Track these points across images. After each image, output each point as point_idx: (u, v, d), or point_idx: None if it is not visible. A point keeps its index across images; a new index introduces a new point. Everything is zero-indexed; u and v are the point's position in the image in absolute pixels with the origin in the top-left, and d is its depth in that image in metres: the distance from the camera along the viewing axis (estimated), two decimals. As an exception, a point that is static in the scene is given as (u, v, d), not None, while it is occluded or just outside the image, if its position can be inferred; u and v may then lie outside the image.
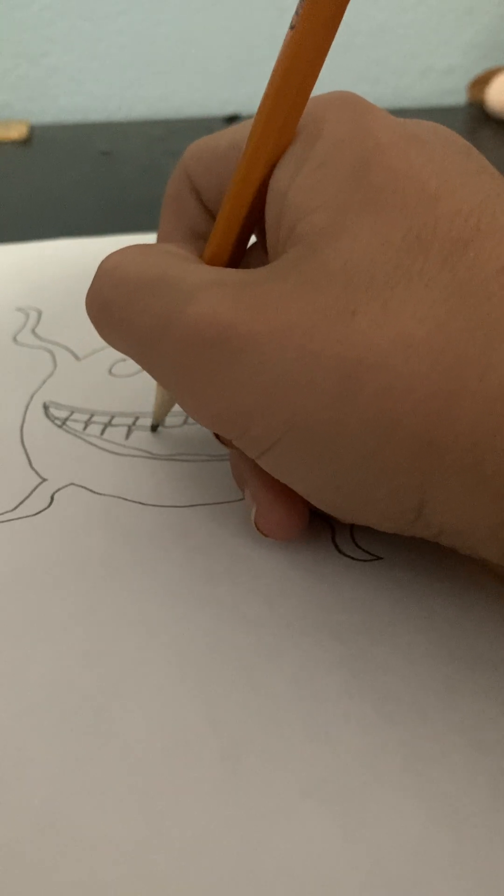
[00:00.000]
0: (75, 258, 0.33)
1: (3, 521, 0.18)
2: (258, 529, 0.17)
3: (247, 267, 0.17)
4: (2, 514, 0.19)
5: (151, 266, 0.15)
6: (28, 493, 0.19)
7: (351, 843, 0.12)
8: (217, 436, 0.17)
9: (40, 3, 0.57)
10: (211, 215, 0.18)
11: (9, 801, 0.12)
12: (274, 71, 0.14)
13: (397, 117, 0.15)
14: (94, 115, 0.61)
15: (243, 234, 0.16)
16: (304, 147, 0.14)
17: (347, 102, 0.15)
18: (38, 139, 0.54)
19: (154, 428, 0.21)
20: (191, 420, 0.22)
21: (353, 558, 0.17)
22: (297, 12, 0.13)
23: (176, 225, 0.19)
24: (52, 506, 0.19)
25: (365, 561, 0.17)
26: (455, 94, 0.66)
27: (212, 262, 0.16)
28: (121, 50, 0.59)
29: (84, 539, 0.18)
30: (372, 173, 0.13)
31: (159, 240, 0.19)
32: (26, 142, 0.54)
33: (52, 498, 0.19)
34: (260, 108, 0.15)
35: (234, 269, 0.14)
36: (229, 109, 0.63)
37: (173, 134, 0.56)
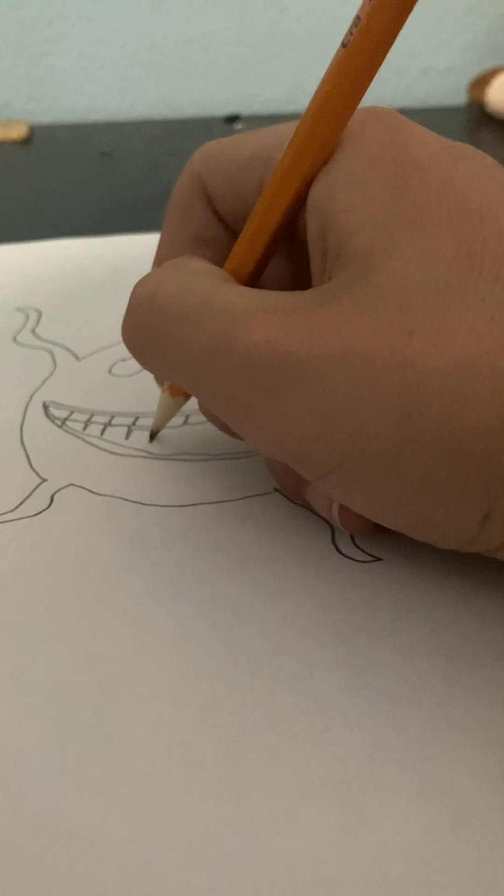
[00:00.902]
0: (75, 258, 0.33)
1: (3, 522, 0.18)
2: (340, 524, 0.17)
3: (271, 279, 0.17)
4: (2, 514, 0.19)
5: (192, 291, 0.15)
6: (28, 494, 0.19)
7: (351, 843, 0.12)
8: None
9: (40, 2, 0.57)
10: (221, 222, 0.18)
11: (9, 801, 0.12)
12: (320, 87, 0.14)
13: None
14: (94, 115, 0.61)
15: (270, 247, 0.16)
16: (342, 163, 0.14)
17: (382, 118, 0.15)
18: (38, 139, 0.54)
19: (153, 436, 0.21)
20: (191, 420, 0.22)
21: (353, 559, 0.17)
22: (350, 31, 0.13)
23: (182, 229, 0.18)
24: (52, 506, 0.19)
25: (365, 562, 0.17)
26: (455, 94, 0.66)
27: (234, 274, 0.16)
28: (121, 50, 0.60)
29: (84, 539, 0.18)
30: (413, 190, 0.13)
31: (163, 243, 0.19)
32: (26, 142, 0.54)
33: (52, 498, 0.19)
34: (301, 122, 0.14)
35: (278, 293, 0.14)
36: (229, 109, 0.63)
37: (173, 134, 0.56)
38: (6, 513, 0.19)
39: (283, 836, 0.12)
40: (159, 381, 0.20)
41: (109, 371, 0.25)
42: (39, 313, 0.28)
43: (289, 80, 0.64)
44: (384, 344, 0.12)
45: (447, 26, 0.63)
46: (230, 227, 0.18)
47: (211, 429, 0.22)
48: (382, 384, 0.12)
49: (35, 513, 0.19)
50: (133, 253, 0.33)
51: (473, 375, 0.12)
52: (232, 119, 0.60)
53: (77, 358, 0.25)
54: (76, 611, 0.16)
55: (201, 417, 0.22)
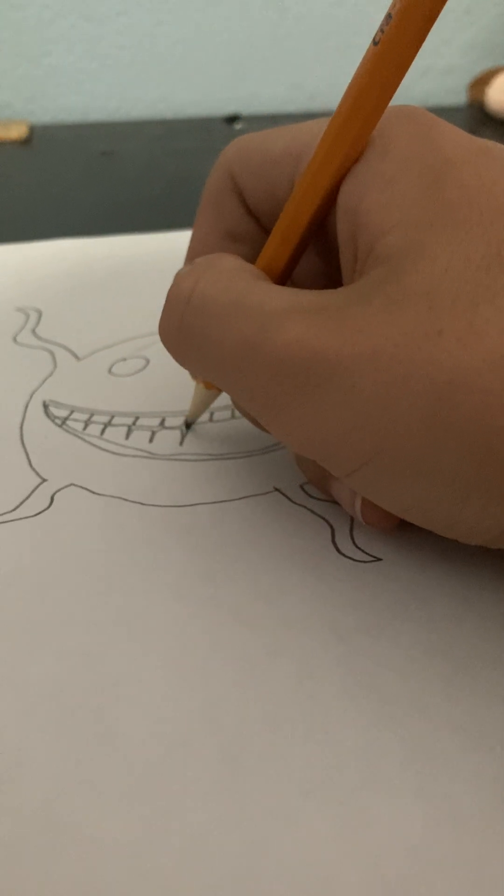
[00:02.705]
0: (75, 258, 0.33)
1: (3, 522, 0.18)
2: (363, 520, 0.17)
3: (302, 276, 0.17)
4: (2, 514, 0.19)
5: (227, 289, 0.15)
6: (28, 494, 0.19)
7: (350, 843, 0.12)
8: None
9: (40, 2, 0.57)
10: (253, 217, 0.18)
11: (9, 801, 0.12)
12: (350, 85, 0.14)
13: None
14: (95, 115, 0.61)
15: (301, 245, 0.16)
16: (372, 162, 0.14)
17: (412, 116, 0.15)
18: (39, 139, 0.54)
19: (188, 425, 0.21)
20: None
21: (352, 559, 0.17)
22: (381, 29, 0.13)
23: (214, 225, 0.19)
24: (52, 506, 0.19)
25: (365, 562, 0.17)
26: (455, 94, 0.66)
27: (266, 272, 0.16)
28: (121, 50, 0.60)
29: (84, 539, 0.18)
30: (444, 189, 0.14)
31: (196, 238, 0.19)
32: (27, 142, 0.54)
33: (52, 498, 0.19)
34: (332, 120, 0.15)
35: (311, 291, 0.14)
36: (229, 109, 0.63)
37: (173, 134, 0.56)
38: (6, 513, 0.19)
39: (282, 836, 0.12)
40: (193, 375, 0.20)
41: (109, 371, 0.25)
42: (39, 313, 0.28)
43: (289, 81, 0.64)
44: (414, 343, 0.12)
45: (447, 26, 0.63)
46: (262, 223, 0.18)
47: (211, 429, 0.22)
48: (412, 383, 0.12)
49: (35, 513, 0.19)
50: (133, 253, 0.33)
51: (503, 374, 0.12)
52: (232, 119, 0.60)
53: (77, 358, 0.25)
54: (76, 610, 0.16)
55: (203, 418, 0.22)
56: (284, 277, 0.17)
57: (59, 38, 0.58)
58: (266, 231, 0.18)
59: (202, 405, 0.21)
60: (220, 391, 0.20)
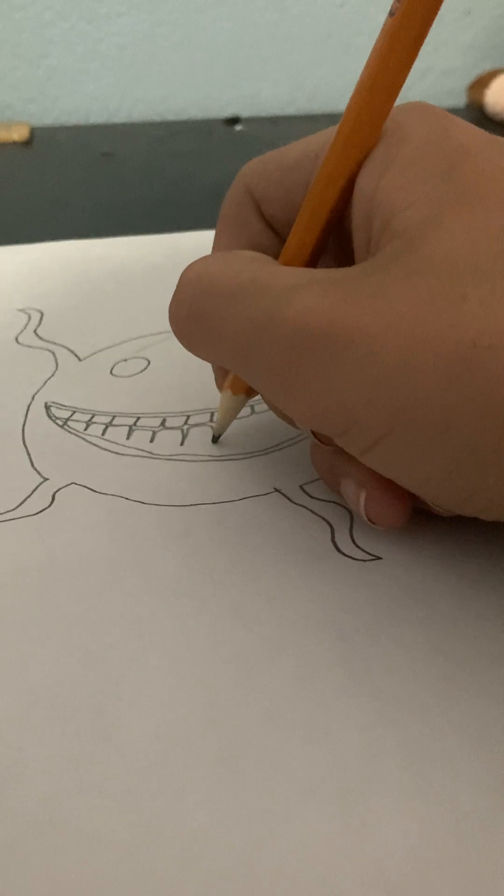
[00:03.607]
0: (76, 259, 0.33)
1: (4, 521, 0.18)
2: (368, 518, 0.17)
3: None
4: (3, 513, 0.19)
5: (238, 272, 0.15)
6: (29, 493, 0.19)
7: (350, 842, 0.12)
8: (315, 434, 0.17)
9: (41, 4, 0.57)
10: (272, 229, 0.18)
11: (9, 800, 0.13)
12: (369, 61, 0.14)
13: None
14: (95, 117, 0.61)
15: (324, 236, 0.16)
16: (388, 149, 0.15)
17: (425, 109, 0.15)
18: (39, 140, 0.54)
19: (216, 439, 0.21)
20: (191, 421, 0.22)
21: (352, 558, 0.17)
22: (396, 0, 0.13)
23: (235, 241, 0.19)
24: (53, 505, 0.19)
25: (364, 561, 0.17)
26: (454, 95, 0.66)
27: (289, 265, 0.16)
28: (121, 51, 0.60)
29: (85, 538, 0.18)
30: (461, 172, 0.14)
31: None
32: (27, 143, 0.54)
33: (53, 497, 0.19)
34: (352, 100, 0.15)
35: (324, 269, 0.14)
36: (230, 111, 0.63)
37: (174, 135, 0.56)
38: (8, 511, 0.19)
39: (282, 836, 0.12)
40: (219, 382, 0.20)
41: (111, 371, 0.25)
42: (41, 314, 0.28)
43: (289, 82, 0.64)
44: (436, 307, 0.12)
45: (447, 27, 0.63)
46: (281, 235, 0.18)
47: (211, 431, 0.22)
48: (434, 345, 0.12)
49: (36, 511, 0.19)
50: (134, 254, 0.34)
51: None
52: (232, 121, 0.60)
53: (79, 358, 0.25)
54: (76, 609, 0.16)
55: (203, 418, 0.22)
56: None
57: (60, 39, 0.58)
58: (285, 241, 0.18)
59: (230, 413, 0.20)
60: (248, 396, 0.20)
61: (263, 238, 0.19)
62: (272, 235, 0.19)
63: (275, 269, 0.15)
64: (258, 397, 0.22)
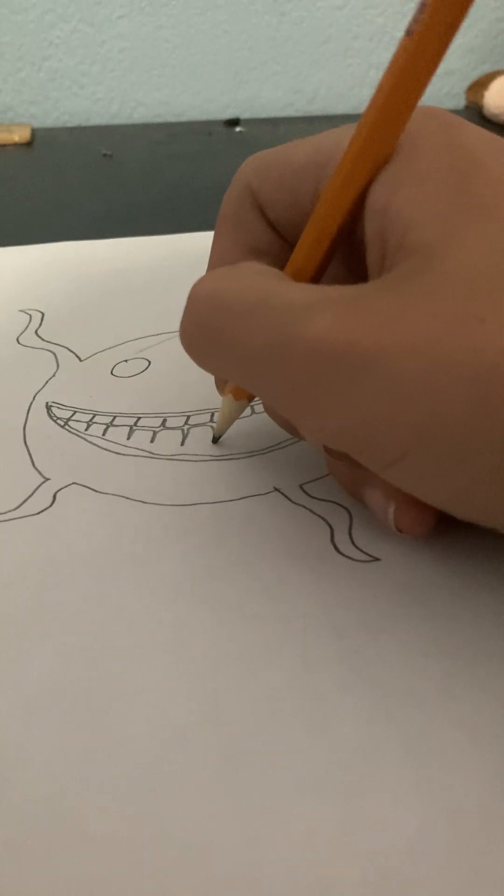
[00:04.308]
0: (77, 260, 0.33)
1: (5, 520, 0.18)
2: (396, 527, 0.17)
3: (325, 283, 0.17)
4: (4, 513, 0.19)
5: (250, 288, 0.15)
6: (30, 493, 0.19)
7: (350, 838, 0.12)
8: (327, 449, 0.17)
9: (42, 6, 0.57)
10: (275, 232, 0.18)
11: (10, 798, 0.13)
12: (384, 80, 0.14)
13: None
14: (96, 119, 0.62)
15: (331, 250, 0.16)
16: (401, 162, 0.14)
17: (437, 117, 0.15)
18: (41, 142, 0.55)
19: (216, 440, 0.21)
20: (192, 421, 0.22)
21: (352, 559, 0.17)
22: (415, 19, 0.13)
23: (235, 241, 0.18)
24: (54, 505, 0.19)
25: (364, 562, 0.17)
26: (453, 97, 0.66)
27: (295, 279, 0.16)
28: (122, 53, 0.60)
29: (86, 538, 0.18)
30: (474, 185, 0.14)
31: (214, 257, 0.19)
32: (28, 145, 0.54)
33: (54, 497, 0.19)
34: (366, 115, 0.14)
35: (338, 286, 0.14)
36: (230, 113, 0.63)
37: (174, 137, 0.56)
38: (8, 511, 0.19)
39: (281, 831, 0.12)
40: (220, 385, 0.20)
41: (111, 372, 0.25)
42: (42, 315, 0.29)
43: (288, 84, 0.64)
44: (454, 329, 0.12)
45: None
46: (283, 236, 0.18)
47: (212, 431, 0.22)
48: (454, 368, 0.12)
49: (37, 511, 0.19)
50: (135, 255, 0.34)
51: None
52: (232, 122, 0.61)
53: (79, 359, 0.26)
54: (77, 608, 0.16)
55: (204, 418, 0.22)
56: (314, 283, 0.16)
57: (61, 41, 0.58)
58: (288, 243, 0.18)
59: (231, 417, 0.20)
60: (250, 400, 0.20)
61: (265, 240, 0.18)
62: (273, 236, 0.18)
63: (287, 285, 0.15)
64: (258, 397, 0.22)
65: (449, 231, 0.13)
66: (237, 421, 0.22)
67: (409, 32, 0.13)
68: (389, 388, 0.13)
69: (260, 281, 0.15)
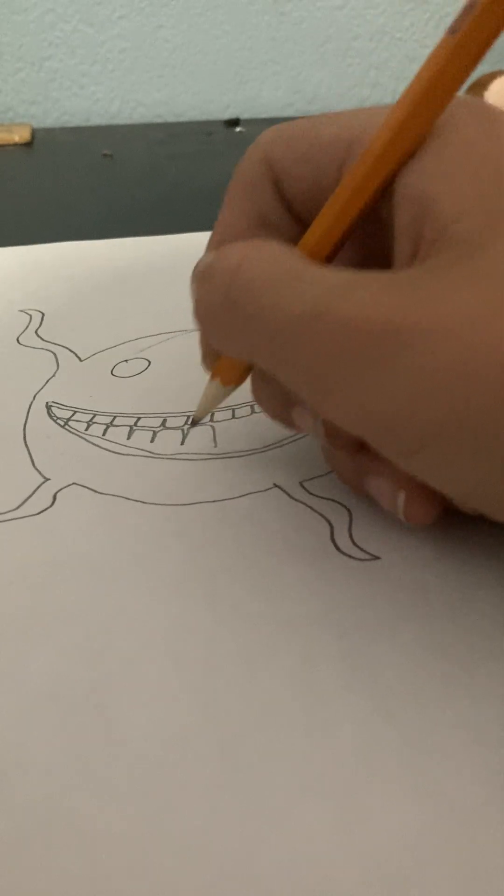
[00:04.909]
0: (77, 260, 0.33)
1: (5, 521, 0.18)
2: (405, 517, 0.16)
3: (341, 263, 0.17)
4: (4, 513, 0.19)
5: (280, 262, 0.14)
6: (31, 493, 0.19)
7: (349, 838, 0.12)
8: (328, 437, 0.17)
9: (42, 6, 0.57)
10: (285, 208, 0.18)
11: (10, 797, 0.13)
12: (421, 71, 0.14)
13: None
14: (96, 119, 0.62)
15: (349, 231, 0.16)
16: (436, 151, 0.14)
17: (472, 106, 0.15)
18: (41, 142, 0.55)
19: (195, 423, 0.21)
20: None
21: (351, 557, 0.17)
22: (460, 18, 0.13)
23: (245, 210, 0.18)
24: (54, 505, 0.19)
25: (363, 560, 0.17)
26: (455, 97, 0.66)
27: (310, 256, 0.16)
28: (122, 53, 0.60)
29: (86, 537, 0.18)
30: None
31: (224, 222, 0.18)
32: (29, 145, 0.54)
33: (54, 497, 0.19)
34: (399, 107, 0.14)
35: (372, 271, 0.14)
36: (230, 113, 0.63)
37: (174, 137, 0.57)
38: (9, 511, 0.19)
39: (281, 831, 0.12)
40: (208, 367, 0.20)
41: (111, 372, 0.25)
42: (42, 315, 0.29)
43: (288, 85, 0.64)
44: (493, 315, 0.12)
45: (445, 29, 0.63)
46: (294, 212, 0.18)
47: (211, 429, 0.22)
48: (490, 353, 0.12)
49: (37, 511, 0.19)
50: (135, 255, 0.34)
51: None
52: (232, 123, 0.61)
53: (79, 359, 0.26)
54: (77, 608, 0.16)
55: (205, 418, 0.22)
56: (328, 263, 0.16)
57: (61, 41, 0.58)
58: (298, 220, 0.18)
59: (213, 402, 0.20)
60: (234, 388, 0.19)
61: (276, 213, 0.18)
62: (284, 212, 0.18)
63: (315, 265, 0.14)
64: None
65: (490, 224, 0.13)
66: (237, 420, 0.22)
67: (453, 30, 0.14)
68: (422, 372, 0.12)
69: (287, 256, 0.15)
